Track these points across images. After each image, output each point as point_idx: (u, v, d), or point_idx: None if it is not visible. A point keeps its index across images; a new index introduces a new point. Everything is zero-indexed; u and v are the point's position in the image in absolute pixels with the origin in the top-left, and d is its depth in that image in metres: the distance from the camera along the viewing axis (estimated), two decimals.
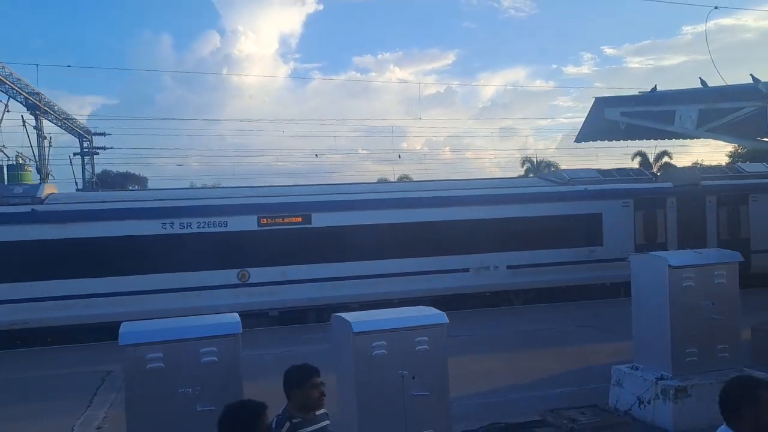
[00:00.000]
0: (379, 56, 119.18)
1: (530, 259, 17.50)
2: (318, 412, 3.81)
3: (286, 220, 16.16)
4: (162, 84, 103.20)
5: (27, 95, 31.36)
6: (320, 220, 16.28)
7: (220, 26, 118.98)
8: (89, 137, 45.61)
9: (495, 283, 17.36)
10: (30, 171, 35.72)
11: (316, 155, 47.18)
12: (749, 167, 22.35)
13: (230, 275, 15.67)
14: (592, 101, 15.44)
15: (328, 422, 3.93)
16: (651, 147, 46.45)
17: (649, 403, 7.74)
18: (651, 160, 50.25)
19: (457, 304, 16.41)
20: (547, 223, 17.50)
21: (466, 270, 17.14)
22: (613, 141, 17.81)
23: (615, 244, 18.01)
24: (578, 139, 17.07)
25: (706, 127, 12.98)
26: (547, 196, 18.19)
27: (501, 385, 9.43)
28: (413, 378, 6.29)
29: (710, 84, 12.85)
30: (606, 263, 17.84)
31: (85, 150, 45.36)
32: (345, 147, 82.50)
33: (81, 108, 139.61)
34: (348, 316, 6.51)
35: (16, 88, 30.20)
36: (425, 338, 6.38)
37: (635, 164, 49.38)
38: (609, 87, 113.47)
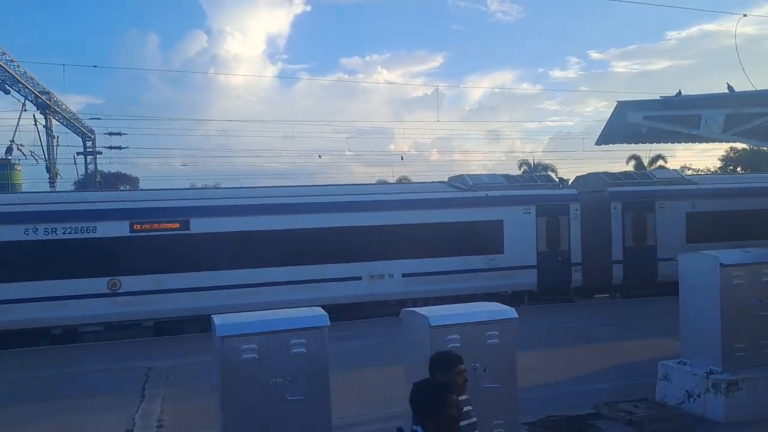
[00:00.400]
0: (367, 58, 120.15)
1: (427, 267, 16.97)
2: (461, 398, 4.08)
3: (162, 225, 15.41)
4: (148, 83, 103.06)
5: (38, 94, 31.45)
6: (200, 226, 15.51)
7: (206, 26, 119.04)
8: (92, 137, 45.70)
9: (389, 292, 16.65)
10: (20, 170, 35.30)
11: (320, 156, 47.08)
12: (660, 173, 21.93)
13: (99, 284, 14.95)
14: (615, 105, 15.70)
15: (470, 407, 4.20)
16: (646, 150, 47.15)
17: (699, 396, 8.01)
18: (645, 163, 50.85)
19: (350, 313, 16.12)
20: (445, 230, 17.10)
21: (359, 278, 16.58)
22: (634, 144, 18.05)
23: (516, 252, 17.68)
24: (599, 142, 17.28)
25: (734, 131, 13.28)
26: (445, 202, 17.61)
27: (548, 380, 9.69)
28: (484, 371, 6.53)
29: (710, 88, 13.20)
30: (507, 271, 17.57)
31: (88, 150, 45.49)
32: (334, 149, 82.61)
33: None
34: (422, 310, 6.74)
35: (29, 87, 30.29)
36: (496, 332, 6.64)
37: (630, 167, 50.26)
38: (594, 90, 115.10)
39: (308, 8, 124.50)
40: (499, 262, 17.64)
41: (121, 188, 45.76)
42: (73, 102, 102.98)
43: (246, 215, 15.92)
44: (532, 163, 53.89)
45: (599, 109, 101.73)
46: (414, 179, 44.44)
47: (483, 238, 17.54)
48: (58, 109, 34.91)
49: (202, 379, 11.17)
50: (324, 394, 6.16)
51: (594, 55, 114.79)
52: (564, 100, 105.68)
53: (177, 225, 15.45)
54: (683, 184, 20.04)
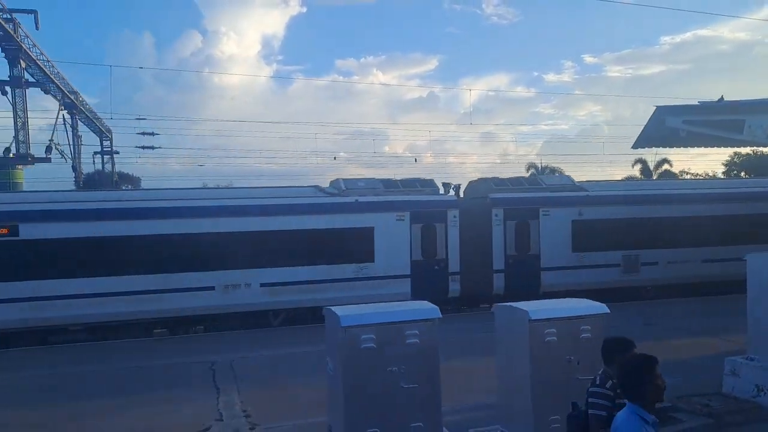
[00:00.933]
0: (362, 60, 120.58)
1: (289, 276, 16.15)
2: None
3: None
4: (142, 83, 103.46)
5: (67, 93, 31.88)
6: (30, 231, 14.62)
7: (202, 27, 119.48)
8: (110, 136, 46.20)
9: (246, 303, 15.91)
10: (21, 170, 35.08)
11: (335, 158, 47.00)
12: (549, 179, 21.50)
13: None
14: (654, 109, 16.06)
15: None
16: (652, 154, 47.50)
17: None
18: (651, 167, 51.13)
19: (204, 324, 15.98)
20: (310, 237, 16.35)
21: (211, 288, 15.68)
22: (670, 147, 18.38)
23: (388, 261, 16.92)
24: (635, 145, 17.62)
25: None
26: (310, 207, 16.71)
27: None
28: (578, 363, 6.84)
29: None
30: (378, 280, 16.77)
31: (105, 149, 45.99)
32: (327, 150, 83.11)
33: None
34: (521, 305, 7.03)
35: (61, 87, 30.73)
36: (588, 327, 6.96)
37: (635, 171, 50.75)
38: (588, 95, 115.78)
39: (303, 9, 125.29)
40: (369, 270, 16.80)
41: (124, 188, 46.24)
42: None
43: (78, 221, 14.89)
44: (539, 165, 53.97)
45: (594, 113, 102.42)
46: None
47: (352, 246, 16.69)
48: (83, 109, 35.37)
49: (268, 371, 11.63)
50: (435, 382, 6.50)
51: (588, 59, 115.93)
52: (558, 104, 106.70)
53: (5, 230, 14.56)
54: (571, 191, 19.26)
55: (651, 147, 18.08)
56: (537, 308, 6.99)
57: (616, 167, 62.83)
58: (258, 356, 12.92)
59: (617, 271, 18.73)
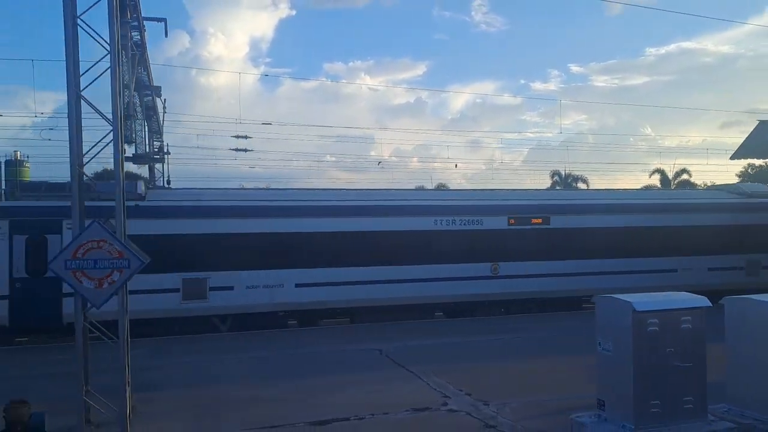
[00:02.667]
0: (350, 64, 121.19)
1: None
2: None
3: None
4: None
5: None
6: None
7: (190, 27, 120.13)
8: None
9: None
10: (28, 167, 35.44)
11: (379, 163, 46.77)
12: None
13: None
14: (756, 123, 17.07)
15: None
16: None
17: None
18: (670, 177, 51.92)
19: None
20: None
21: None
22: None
23: None
24: (734, 156, 18.66)
25: None
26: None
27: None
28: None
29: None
30: None
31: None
32: (317, 153, 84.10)
33: (44, 105, 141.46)
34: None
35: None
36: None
37: (655, 181, 51.80)
38: (575, 102, 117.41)
39: (293, 12, 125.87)
40: None
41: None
42: (50, 99, 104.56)
43: None
44: (563, 173, 53.99)
45: (579, 122, 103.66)
46: (396, 186, 44.55)
47: None
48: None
49: (440, 356, 12.59)
50: (702, 363, 7.44)
51: (574, 68, 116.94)
52: (545, 112, 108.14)
53: None
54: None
55: (750, 158, 19.03)
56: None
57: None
58: (418, 345, 13.88)
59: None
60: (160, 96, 27.49)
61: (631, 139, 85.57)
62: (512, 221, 18.06)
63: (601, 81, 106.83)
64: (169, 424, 8.85)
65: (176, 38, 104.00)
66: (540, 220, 18.23)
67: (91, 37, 8.52)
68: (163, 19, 22.48)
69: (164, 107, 27.96)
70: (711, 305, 7.50)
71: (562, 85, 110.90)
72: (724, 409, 8.23)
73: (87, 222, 8.26)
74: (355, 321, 17.29)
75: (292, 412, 9.10)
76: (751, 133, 17.54)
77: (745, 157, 18.94)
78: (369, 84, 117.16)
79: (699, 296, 7.68)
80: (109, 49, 8.38)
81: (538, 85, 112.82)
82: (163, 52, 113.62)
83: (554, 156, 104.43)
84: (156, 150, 28.98)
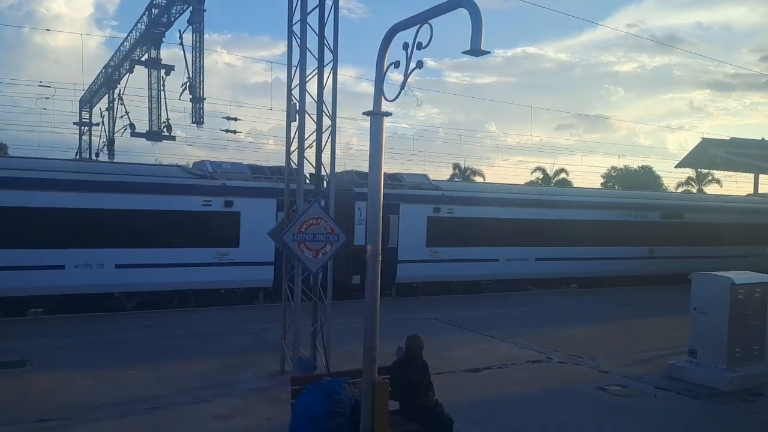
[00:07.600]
0: (206, 36, 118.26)
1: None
2: None
3: None
4: None
5: None
6: None
7: None
8: None
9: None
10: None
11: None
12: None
13: None
14: (700, 140, 21.26)
15: None
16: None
17: None
18: (551, 175, 59.12)
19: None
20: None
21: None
22: (706, 170, 23.70)
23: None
24: (678, 166, 22.82)
25: None
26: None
27: None
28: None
29: None
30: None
31: None
32: None
33: None
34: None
35: None
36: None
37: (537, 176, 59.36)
38: (430, 94, 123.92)
39: None
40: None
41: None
42: None
43: None
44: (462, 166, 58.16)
45: (432, 115, 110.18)
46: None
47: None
48: None
49: (495, 323, 14.87)
50: (765, 322, 10.49)
51: (430, 62, 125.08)
52: (400, 103, 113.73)
53: None
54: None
55: (691, 168, 23.32)
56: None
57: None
58: (469, 315, 16.04)
59: None
60: None
61: (478, 135, 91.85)
62: None
63: (453, 77, 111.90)
64: None
65: None
66: None
67: None
68: None
69: None
70: None
71: (418, 78, 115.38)
72: None
73: None
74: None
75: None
76: (695, 148, 21.61)
77: (688, 167, 23.10)
78: (226, 60, 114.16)
79: (764, 274, 10.77)
80: None
81: (395, 76, 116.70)
82: None
83: (407, 145, 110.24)
84: None
